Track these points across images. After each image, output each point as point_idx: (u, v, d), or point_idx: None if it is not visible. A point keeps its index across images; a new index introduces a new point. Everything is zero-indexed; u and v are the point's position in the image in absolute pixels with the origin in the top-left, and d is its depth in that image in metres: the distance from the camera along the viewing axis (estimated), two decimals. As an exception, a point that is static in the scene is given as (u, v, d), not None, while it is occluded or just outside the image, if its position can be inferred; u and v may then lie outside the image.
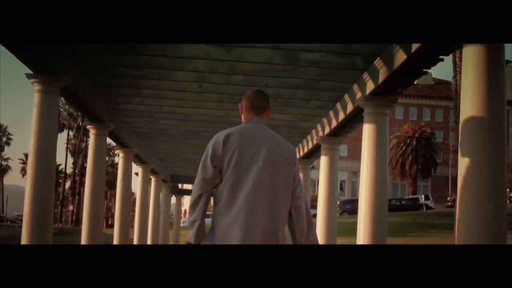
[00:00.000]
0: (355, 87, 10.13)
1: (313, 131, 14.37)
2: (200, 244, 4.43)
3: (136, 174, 21.11)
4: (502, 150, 5.43)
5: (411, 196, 62.80)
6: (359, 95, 9.83)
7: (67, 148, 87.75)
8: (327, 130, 12.71)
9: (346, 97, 10.84)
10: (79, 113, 73.13)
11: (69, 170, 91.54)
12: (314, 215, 14.58)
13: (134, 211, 22.41)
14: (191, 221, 4.44)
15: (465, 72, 5.71)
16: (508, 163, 5.76)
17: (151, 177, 23.43)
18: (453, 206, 43.45)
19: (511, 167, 32.96)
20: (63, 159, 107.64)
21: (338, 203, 56.66)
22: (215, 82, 10.88)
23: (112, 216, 74.26)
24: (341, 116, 11.33)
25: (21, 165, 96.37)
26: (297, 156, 17.46)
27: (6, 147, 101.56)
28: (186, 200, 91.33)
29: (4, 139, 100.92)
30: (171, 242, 33.15)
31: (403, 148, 64.97)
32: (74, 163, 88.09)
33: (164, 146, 19.12)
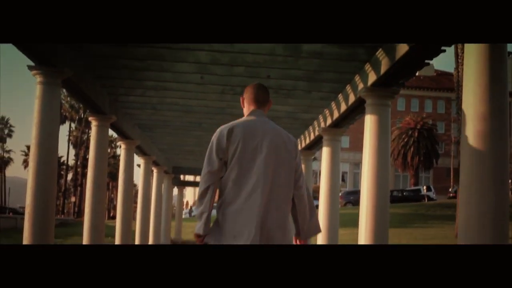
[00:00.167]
0: (357, 78, 10.12)
1: (315, 123, 14.36)
2: (207, 236, 4.55)
3: (138, 165, 21.12)
4: (504, 140, 5.43)
5: (413, 188, 62.77)
6: (361, 86, 9.82)
7: (69, 140, 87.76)
8: (329, 121, 12.71)
9: (348, 88, 10.83)
10: (81, 105, 73.24)
11: (71, 162, 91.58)
12: (316, 206, 14.59)
13: (136, 202, 22.41)
14: (199, 212, 4.57)
15: (467, 63, 5.70)
16: (510, 154, 5.76)
17: (153, 168, 23.45)
18: (455, 197, 43.51)
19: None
20: (65, 151, 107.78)
21: (341, 194, 57.00)
22: (217, 74, 10.87)
23: (114, 208, 74.32)
24: (343, 107, 11.32)
25: (23, 157, 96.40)
26: (299, 147, 17.50)
27: (8, 139, 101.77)
28: (188, 192, 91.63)
29: (6, 131, 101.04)
30: (173, 233, 33.18)
31: (405, 140, 64.90)
32: (76, 155, 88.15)
33: (166, 137, 19.11)
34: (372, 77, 9.21)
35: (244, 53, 9.70)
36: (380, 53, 8.73)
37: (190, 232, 37.03)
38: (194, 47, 9.48)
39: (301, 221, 4.80)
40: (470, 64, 5.65)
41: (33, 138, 9.20)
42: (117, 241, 16.11)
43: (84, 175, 77.43)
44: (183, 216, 42.33)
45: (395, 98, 9.55)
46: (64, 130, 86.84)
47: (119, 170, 17.07)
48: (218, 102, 13.12)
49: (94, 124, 12.79)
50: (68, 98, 77.38)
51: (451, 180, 68.03)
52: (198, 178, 42.69)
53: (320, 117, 13.62)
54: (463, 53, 6.67)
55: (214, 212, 4.66)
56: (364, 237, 8.98)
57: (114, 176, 77.12)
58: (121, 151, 16.74)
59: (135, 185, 39.41)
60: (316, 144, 15.43)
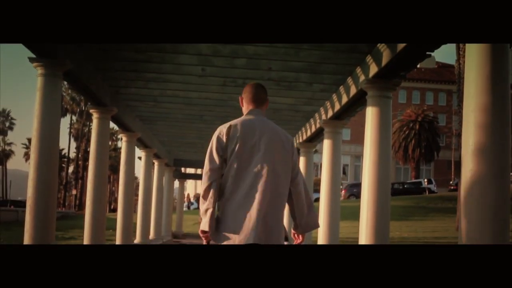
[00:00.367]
0: (358, 70, 10.11)
1: (316, 115, 14.35)
2: (211, 232, 4.66)
3: (139, 158, 21.12)
4: (506, 132, 5.42)
5: (414, 180, 62.83)
6: (362, 78, 9.81)
7: (70, 132, 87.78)
8: (330, 113, 12.70)
9: (349, 80, 10.81)
10: (82, 98, 73.23)
11: (72, 155, 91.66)
12: (317, 199, 14.59)
13: (137, 195, 22.41)
14: (204, 209, 4.68)
15: (469, 54, 5.69)
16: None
17: (154, 161, 23.45)
18: (456, 189, 43.51)
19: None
20: (66, 143, 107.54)
21: (344, 186, 57.12)
22: (219, 66, 10.86)
23: (115, 201, 74.40)
24: (344, 99, 11.31)
25: (24, 150, 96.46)
26: (295, 144, 17.48)
27: (9, 132, 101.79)
28: (189, 185, 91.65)
29: (7, 123, 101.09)
30: (174, 226, 33.21)
31: (406, 132, 64.88)
32: (77, 148, 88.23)
33: (167, 130, 19.10)
34: (373, 69, 9.19)
35: (245, 45, 9.68)
36: (381, 45, 8.71)
37: (191, 225, 37.15)
38: (195, 39, 9.47)
39: (299, 216, 4.95)
40: (471, 56, 5.64)
41: (34, 130, 9.20)
42: (118, 234, 16.13)
43: (85, 168, 77.51)
44: (184, 209, 42.35)
45: (396, 90, 9.54)
46: (65, 123, 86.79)
47: (120, 163, 17.08)
48: (219, 94, 13.11)
49: (95, 116, 12.79)
50: (69, 91, 77.40)
51: (452, 173, 68.09)
52: (199, 171, 42.70)
53: (321, 109, 13.61)
54: (464, 45, 6.66)
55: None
56: (365, 229, 8.98)
57: (115, 169, 77.21)
58: (122, 143, 16.74)
59: (136, 178, 39.41)
60: (317, 137, 15.44)
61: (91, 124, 45.17)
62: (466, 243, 5.37)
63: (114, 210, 58.34)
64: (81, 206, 75.04)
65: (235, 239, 4.56)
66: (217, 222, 4.68)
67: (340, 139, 13.08)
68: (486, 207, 5.31)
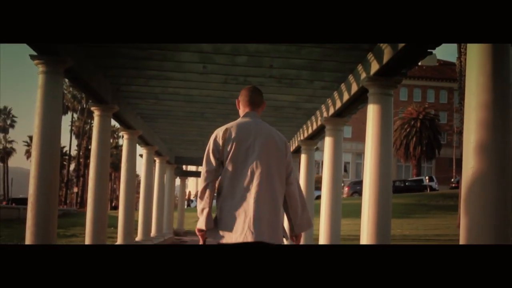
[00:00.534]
0: (360, 67, 10.10)
1: (318, 112, 14.34)
2: (207, 231, 4.87)
3: (141, 156, 21.12)
4: (507, 129, 5.42)
5: (415, 178, 62.92)
6: (363, 75, 9.80)
7: (71, 130, 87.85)
8: (331, 111, 12.69)
9: (351, 77, 10.81)
10: (83, 95, 73.30)
11: (73, 153, 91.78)
12: (319, 197, 14.59)
13: (138, 193, 22.40)
14: (200, 209, 4.89)
15: (470, 52, 5.68)
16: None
17: (155, 158, 23.44)
18: (457, 187, 43.57)
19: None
20: (67, 141, 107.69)
21: (348, 184, 57.18)
22: (220, 63, 10.85)
23: (117, 198, 74.39)
24: (346, 97, 11.30)
25: (26, 148, 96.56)
26: (296, 142, 17.49)
27: (10, 130, 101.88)
28: (191, 182, 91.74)
29: (9, 121, 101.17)
30: (175, 224, 33.23)
31: (407, 130, 64.91)
32: (79, 145, 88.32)
33: (169, 127, 19.10)
34: (374, 67, 9.18)
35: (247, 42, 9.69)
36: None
37: (192, 222, 37.16)
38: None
39: (293, 216, 5.11)
40: (473, 53, 5.64)
41: (36, 127, 9.20)
42: (120, 231, 16.12)
43: (86, 165, 77.71)
44: (186, 207, 42.35)
45: (397, 87, 9.53)
46: (66, 121, 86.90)
47: (121, 160, 17.07)
48: (221, 92, 13.09)
49: (96, 114, 12.79)
50: (70, 89, 77.45)
51: (453, 170, 68.11)
52: (200, 169, 42.57)
53: (323, 106, 13.60)
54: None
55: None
56: (366, 227, 8.97)
57: (116, 167, 77.22)
58: (124, 141, 16.72)
59: (137, 176, 39.40)
60: (318, 134, 15.42)
61: (92, 121, 45.08)
62: (467, 240, 5.36)
63: (116, 208, 58.44)
64: (82, 203, 75.15)
65: (232, 238, 4.72)
66: (215, 222, 4.85)
67: (342, 137, 13.08)
68: (487, 204, 5.31)
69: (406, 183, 59.41)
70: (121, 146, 18.35)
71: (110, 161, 14.43)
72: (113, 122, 14.61)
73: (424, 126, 64.82)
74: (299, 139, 17.18)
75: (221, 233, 4.78)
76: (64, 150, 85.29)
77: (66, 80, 10.82)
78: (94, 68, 11.17)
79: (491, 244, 5.23)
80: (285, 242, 5.07)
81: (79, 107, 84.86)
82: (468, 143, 5.45)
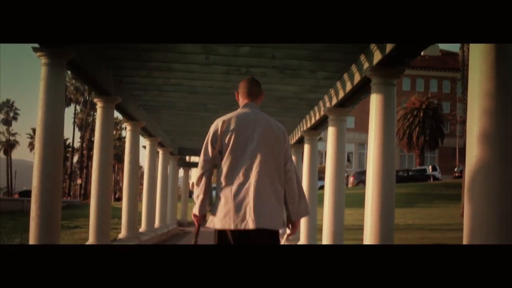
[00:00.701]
0: (362, 57, 10.08)
1: (320, 102, 14.33)
2: (210, 218, 5.04)
3: (144, 147, 21.14)
4: (510, 118, 5.40)
5: (418, 167, 62.89)
6: (366, 65, 9.78)
7: (74, 122, 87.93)
8: (334, 101, 12.67)
9: (353, 67, 10.79)
10: (86, 87, 73.30)
11: (76, 145, 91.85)
12: (322, 187, 14.60)
13: (142, 184, 22.43)
14: (196, 195, 5.09)
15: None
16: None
17: (158, 150, 23.44)
18: (461, 176, 43.54)
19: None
20: (70, 133, 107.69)
21: (353, 174, 57.24)
22: (222, 54, 10.84)
23: (120, 190, 74.56)
24: (349, 86, 11.28)
25: (29, 140, 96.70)
26: (299, 133, 17.49)
27: (13, 122, 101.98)
28: (194, 173, 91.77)
29: (11, 114, 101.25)
30: (179, 215, 33.26)
31: (410, 120, 64.84)
32: (82, 137, 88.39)
33: (171, 119, 19.11)
34: (377, 56, 9.16)
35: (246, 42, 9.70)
36: (385, 32, 8.68)
37: (196, 213, 37.17)
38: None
39: (290, 203, 5.19)
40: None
41: (39, 119, 9.21)
42: (124, 223, 16.16)
43: (89, 157, 77.80)
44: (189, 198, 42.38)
45: (400, 77, 9.51)
46: (69, 113, 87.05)
47: (124, 152, 17.09)
48: (223, 83, 13.09)
49: (99, 105, 12.80)
50: (73, 81, 77.47)
51: (457, 160, 68.07)
52: (203, 160, 42.47)
53: (326, 97, 13.59)
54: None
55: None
56: (370, 217, 8.99)
57: (119, 158, 77.37)
58: (127, 132, 16.74)
59: (140, 167, 39.42)
60: (321, 124, 15.41)
61: (95, 113, 45.12)
62: (470, 228, 5.36)
63: (119, 199, 58.52)
64: (86, 195, 75.29)
65: (232, 225, 4.84)
66: (214, 209, 5.00)
67: (345, 127, 13.05)
68: (490, 192, 5.30)
69: (409, 173, 59.39)
70: (124, 137, 18.38)
71: (114, 152, 14.48)
72: (116, 114, 14.63)
73: (427, 116, 64.75)
74: (302, 129, 17.18)
75: (221, 220, 4.89)
76: (67, 142, 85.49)
77: (69, 72, 10.81)
78: (97, 59, 11.17)
79: (494, 243, 5.23)
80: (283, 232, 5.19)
81: (82, 99, 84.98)
82: (471, 132, 5.44)
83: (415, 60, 47.13)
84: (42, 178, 9.16)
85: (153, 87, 13.88)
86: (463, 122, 34.05)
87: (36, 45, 9.06)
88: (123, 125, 23.79)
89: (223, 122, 5.09)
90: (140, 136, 17.73)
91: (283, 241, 5.46)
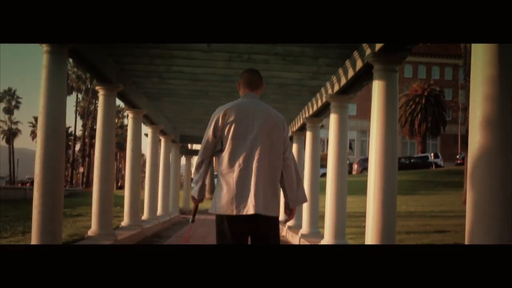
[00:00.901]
0: (365, 44, 10.05)
1: (322, 89, 14.31)
2: (211, 206, 5.22)
3: (146, 135, 21.13)
4: (513, 103, 5.39)
5: (420, 155, 62.91)
6: (368, 52, 9.74)
7: (76, 110, 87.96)
8: (336, 88, 12.65)
9: (356, 54, 10.76)
10: (88, 76, 73.24)
11: (78, 133, 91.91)
12: (324, 174, 14.59)
13: (144, 172, 22.41)
14: (195, 180, 5.41)
15: (476, 26, 5.66)
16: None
17: (160, 137, 23.44)
18: (463, 164, 43.55)
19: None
20: (72, 122, 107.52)
21: (358, 160, 57.30)
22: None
23: (122, 178, 74.70)
24: (350, 73, 11.26)
25: (31, 129, 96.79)
26: (301, 120, 17.48)
27: (15, 111, 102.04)
28: (196, 161, 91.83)
29: (13, 102, 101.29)
30: (181, 203, 33.30)
31: (412, 107, 64.76)
32: (84, 126, 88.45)
33: (173, 106, 19.10)
34: (379, 43, 9.14)
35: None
36: (387, 18, 8.65)
37: (198, 201, 37.21)
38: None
39: (289, 190, 5.40)
40: (479, 27, 5.62)
41: (41, 107, 9.21)
42: (126, 210, 16.19)
43: (92, 145, 77.84)
44: (192, 185, 42.39)
45: (402, 64, 9.48)
46: (71, 101, 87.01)
47: (126, 140, 17.10)
48: (225, 70, 13.08)
49: (101, 93, 12.80)
50: (75, 69, 77.44)
51: (459, 147, 68.06)
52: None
53: (328, 83, 13.57)
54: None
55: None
56: (372, 204, 8.98)
57: (122, 146, 77.55)
58: (129, 120, 16.74)
59: (142, 155, 39.40)
60: (323, 111, 15.39)
61: (97, 102, 45.08)
62: (473, 214, 5.37)
63: (121, 187, 58.62)
64: (88, 183, 75.40)
65: (233, 210, 5.03)
66: (216, 195, 5.20)
67: (347, 114, 13.02)
68: (493, 177, 5.30)
69: (411, 160, 59.45)
70: (126, 125, 18.37)
71: (116, 140, 14.47)
72: (118, 102, 14.61)
73: (429, 103, 64.67)
74: (304, 116, 17.15)
75: (222, 206, 5.08)
76: (69, 131, 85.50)
77: (70, 60, 10.79)
78: (98, 47, 11.15)
79: (496, 229, 5.24)
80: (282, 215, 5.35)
81: (84, 88, 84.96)
82: (474, 118, 5.43)
83: (417, 46, 47.02)
84: (45, 166, 9.18)
85: (155, 75, 13.87)
86: (465, 109, 34.05)
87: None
88: (125, 113, 23.70)
89: (224, 111, 5.24)
90: (142, 124, 17.72)
91: (285, 228, 5.63)
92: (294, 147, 19.16)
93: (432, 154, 61.69)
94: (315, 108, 15.54)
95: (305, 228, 15.75)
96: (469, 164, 5.53)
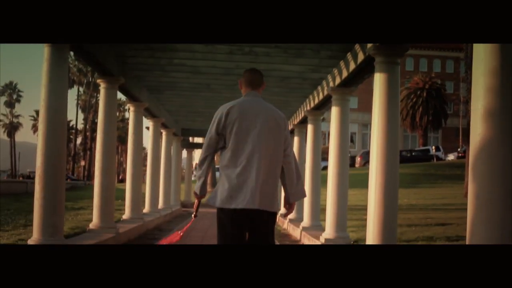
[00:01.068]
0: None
1: (324, 82, 14.30)
2: (210, 197, 5.42)
3: (147, 128, 21.12)
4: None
5: (421, 148, 62.91)
6: (369, 44, 9.73)
7: (77, 104, 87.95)
8: (338, 80, 12.63)
9: (357, 47, 10.74)
10: (89, 69, 73.18)
11: (80, 126, 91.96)
12: (325, 167, 14.60)
13: (145, 165, 22.41)
14: (198, 176, 5.58)
15: (478, 18, 5.65)
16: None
17: (162, 131, 23.42)
18: (464, 157, 43.54)
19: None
20: (73, 115, 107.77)
21: (361, 153, 57.33)
22: (225, 34, 10.80)
23: (124, 171, 74.64)
24: (352, 66, 11.24)
25: (32, 122, 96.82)
26: (302, 113, 17.47)
27: (16, 104, 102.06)
28: (197, 154, 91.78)
29: (15, 96, 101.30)
30: (182, 196, 33.32)
31: (414, 100, 64.74)
32: (85, 119, 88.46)
33: (175, 99, 19.08)
34: (381, 35, 9.12)
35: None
36: (389, 11, 8.63)
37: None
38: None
39: (289, 186, 5.62)
40: (480, 19, 5.60)
41: (42, 100, 9.21)
42: (127, 204, 16.21)
43: (93, 139, 77.93)
44: (193, 179, 42.44)
45: (403, 56, 9.46)
46: (72, 95, 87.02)
47: (128, 133, 17.09)
48: (226, 63, 13.07)
49: (102, 86, 12.79)
50: (76, 62, 77.40)
51: (460, 140, 68.02)
52: (207, 141, 42.57)
53: (329, 76, 13.56)
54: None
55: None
56: (373, 197, 8.97)
57: (123, 140, 77.38)
58: (130, 113, 16.73)
59: (144, 148, 39.43)
60: (325, 104, 15.37)
61: (98, 95, 45.11)
62: (474, 207, 5.36)
63: (123, 181, 58.63)
64: (89, 177, 75.45)
65: (235, 204, 5.20)
66: (218, 189, 5.36)
67: (348, 107, 13.01)
68: (494, 170, 5.29)
69: (413, 153, 59.46)
70: (128, 119, 18.38)
71: (117, 134, 14.46)
72: (119, 95, 14.60)
73: (430, 96, 64.65)
74: (305, 109, 17.14)
75: (224, 199, 5.25)
76: (70, 124, 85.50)
77: (72, 53, 10.78)
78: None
79: (497, 221, 5.23)
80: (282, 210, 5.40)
81: (85, 81, 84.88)
82: (475, 110, 5.43)
83: (419, 40, 46.91)
84: (46, 159, 9.18)
85: (157, 68, 13.86)
86: (467, 102, 34.00)
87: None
88: (127, 106, 23.81)
89: (228, 109, 5.39)
90: (144, 117, 17.71)
91: (286, 221, 5.73)
92: (296, 140, 19.16)
93: (433, 147, 61.68)
94: (316, 101, 15.53)
95: (306, 221, 15.76)
96: (471, 157, 5.52)
